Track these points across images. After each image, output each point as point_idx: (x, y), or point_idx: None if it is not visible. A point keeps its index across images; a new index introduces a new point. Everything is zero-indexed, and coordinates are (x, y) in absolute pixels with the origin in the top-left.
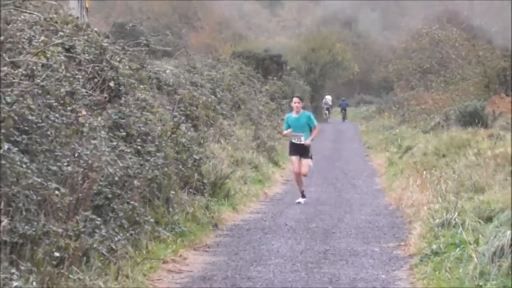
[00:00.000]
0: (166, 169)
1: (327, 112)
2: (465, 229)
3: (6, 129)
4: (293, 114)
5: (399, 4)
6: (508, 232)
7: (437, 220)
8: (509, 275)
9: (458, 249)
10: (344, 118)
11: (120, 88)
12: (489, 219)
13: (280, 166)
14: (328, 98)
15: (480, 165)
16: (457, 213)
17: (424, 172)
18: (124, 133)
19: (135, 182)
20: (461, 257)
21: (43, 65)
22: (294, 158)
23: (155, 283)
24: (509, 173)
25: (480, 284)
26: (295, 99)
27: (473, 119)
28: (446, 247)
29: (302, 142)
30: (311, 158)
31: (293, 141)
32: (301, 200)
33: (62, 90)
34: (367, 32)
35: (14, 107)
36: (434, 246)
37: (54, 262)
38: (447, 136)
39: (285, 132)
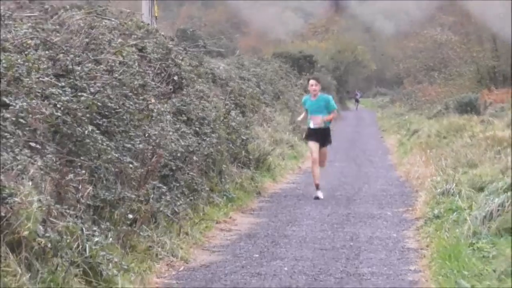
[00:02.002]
0: (219, 147)
1: (357, 103)
2: (461, 197)
3: (90, 114)
4: (311, 98)
5: (408, 14)
6: (496, 200)
7: (438, 190)
8: (497, 234)
9: (455, 213)
10: (357, 106)
11: (182, 81)
12: (480, 189)
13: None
14: (358, 94)
15: (473, 145)
16: (454, 184)
17: (428, 151)
18: (185, 118)
19: (194, 157)
20: (458, 220)
21: (120, 62)
22: (312, 144)
23: (210, 239)
24: (496, 152)
25: (473, 242)
26: (311, 82)
27: (468, 108)
28: (445, 212)
29: (322, 126)
30: (330, 143)
31: (311, 126)
32: (319, 194)
33: (136, 82)
34: (382, 36)
35: (96, 96)
36: (435, 211)
37: (128, 222)
38: (447, 122)
39: (299, 118)
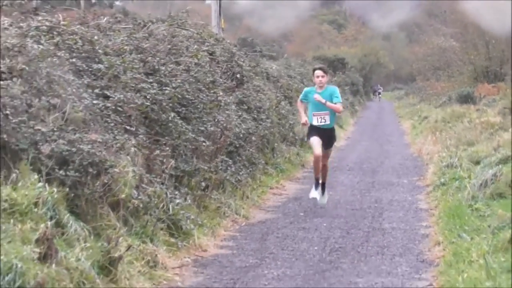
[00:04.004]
0: (272, 129)
1: (379, 95)
2: (462, 169)
3: (172, 103)
4: (317, 90)
5: (419, 27)
6: (490, 171)
7: (444, 163)
8: (491, 198)
9: (457, 181)
10: (379, 98)
11: (243, 78)
12: (477, 163)
13: (344, 128)
14: (380, 88)
15: (471, 128)
16: (457, 159)
17: (436, 133)
18: (246, 107)
19: (253, 137)
20: (460, 187)
21: (195, 64)
22: (315, 139)
23: (265, 201)
24: (490, 133)
25: (472, 204)
26: (317, 72)
27: (466, 99)
28: (449, 180)
29: (328, 123)
30: (334, 141)
31: (315, 123)
32: (315, 194)
33: (207, 79)
34: (398, 44)
35: (177, 90)
36: (442, 180)
37: (202, 188)
38: (450, 110)
39: (303, 119)
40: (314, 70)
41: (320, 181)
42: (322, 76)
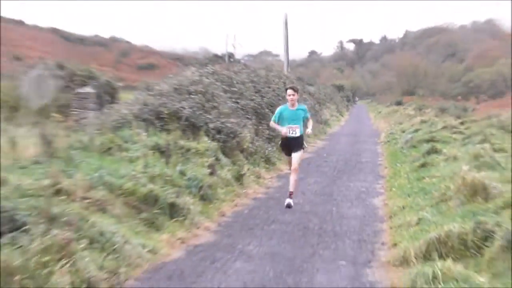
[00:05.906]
0: (312, 117)
1: (356, 102)
2: (397, 134)
3: (267, 105)
4: (289, 107)
5: (377, 72)
6: (409, 135)
7: (389, 132)
8: (410, 148)
9: (394, 140)
10: (356, 103)
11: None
12: (403, 131)
13: (343, 116)
14: (357, 98)
15: (401, 116)
16: (395, 130)
17: (385, 118)
18: None
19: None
20: (396, 142)
21: (277, 88)
22: (287, 157)
23: (308, 149)
24: (409, 118)
25: (401, 150)
26: (289, 91)
27: (398, 103)
28: (391, 140)
29: (298, 135)
30: (303, 149)
31: (288, 135)
32: (289, 201)
33: (282, 94)
34: (369, 78)
35: (269, 99)
36: (387, 139)
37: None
38: (392, 108)
39: (284, 130)
40: (286, 89)
41: (290, 190)
42: (293, 94)
